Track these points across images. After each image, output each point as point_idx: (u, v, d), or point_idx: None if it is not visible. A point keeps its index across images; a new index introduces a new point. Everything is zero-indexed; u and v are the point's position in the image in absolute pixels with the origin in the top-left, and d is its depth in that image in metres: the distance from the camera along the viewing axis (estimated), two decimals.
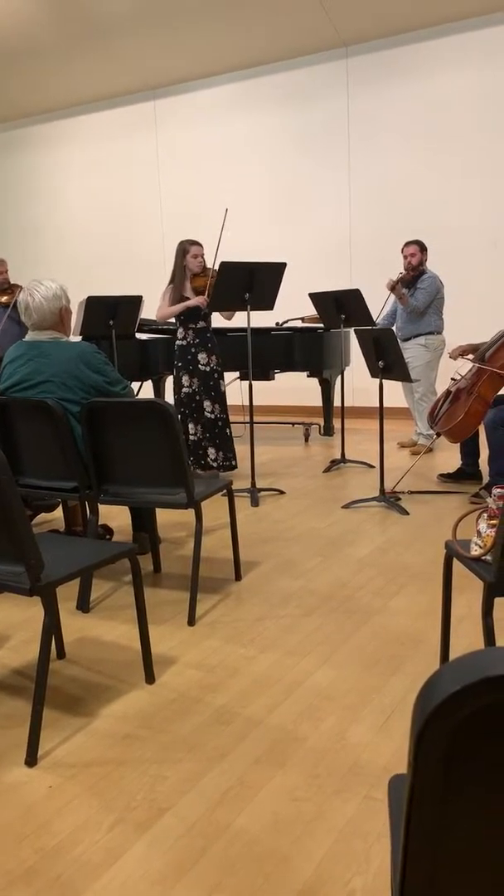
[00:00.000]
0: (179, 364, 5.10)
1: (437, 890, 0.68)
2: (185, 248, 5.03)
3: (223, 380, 5.14)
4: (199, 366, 5.04)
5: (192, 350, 5.04)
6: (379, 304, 6.18)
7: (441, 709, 0.60)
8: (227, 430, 5.10)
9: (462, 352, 4.85)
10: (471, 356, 4.80)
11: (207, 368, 5.04)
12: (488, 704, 0.60)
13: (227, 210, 4.91)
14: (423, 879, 0.67)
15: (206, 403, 5.03)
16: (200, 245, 5.05)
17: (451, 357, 4.98)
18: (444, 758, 0.62)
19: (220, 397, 5.07)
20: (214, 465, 5.03)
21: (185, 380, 5.08)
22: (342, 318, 5.54)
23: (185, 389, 5.08)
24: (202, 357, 5.04)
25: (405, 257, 5.96)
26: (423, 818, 0.64)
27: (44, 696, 2.04)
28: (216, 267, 4.83)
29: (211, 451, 5.05)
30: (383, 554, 3.65)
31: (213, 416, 5.03)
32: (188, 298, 5.02)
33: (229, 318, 5.08)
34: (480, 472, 4.97)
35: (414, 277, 5.93)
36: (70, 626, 2.89)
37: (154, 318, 6.81)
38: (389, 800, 1.04)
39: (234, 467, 5.12)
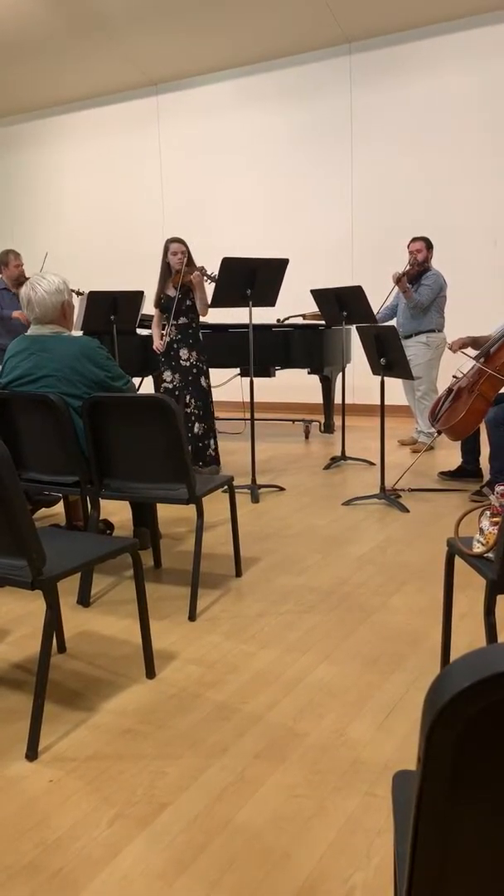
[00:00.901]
0: (163, 360, 5.16)
1: (446, 886, 0.68)
2: (167, 246, 5.13)
3: (206, 377, 5.16)
4: (181, 361, 5.08)
5: (175, 346, 5.09)
6: (380, 300, 6.17)
7: (452, 704, 0.60)
8: (198, 426, 5.10)
9: (462, 344, 4.84)
10: (471, 350, 4.79)
11: (187, 364, 5.08)
12: (499, 700, 0.59)
13: (185, 262, 5.04)
14: (432, 876, 0.67)
15: (185, 398, 5.08)
16: (180, 242, 5.09)
17: (450, 350, 4.97)
18: (455, 753, 0.62)
19: (198, 393, 5.09)
20: None
21: (166, 375, 5.16)
22: (344, 315, 5.53)
23: (165, 385, 5.15)
24: (183, 353, 5.08)
25: (411, 253, 5.95)
26: (433, 814, 0.64)
27: (45, 690, 2.03)
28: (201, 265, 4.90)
29: None
30: (383, 551, 3.65)
31: (186, 412, 5.07)
32: (168, 296, 5.09)
33: (204, 314, 5.12)
34: (481, 470, 4.97)
35: (418, 273, 5.93)
36: (71, 621, 2.88)
37: None
38: (393, 796, 1.03)
39: (202, 465, 5.11)
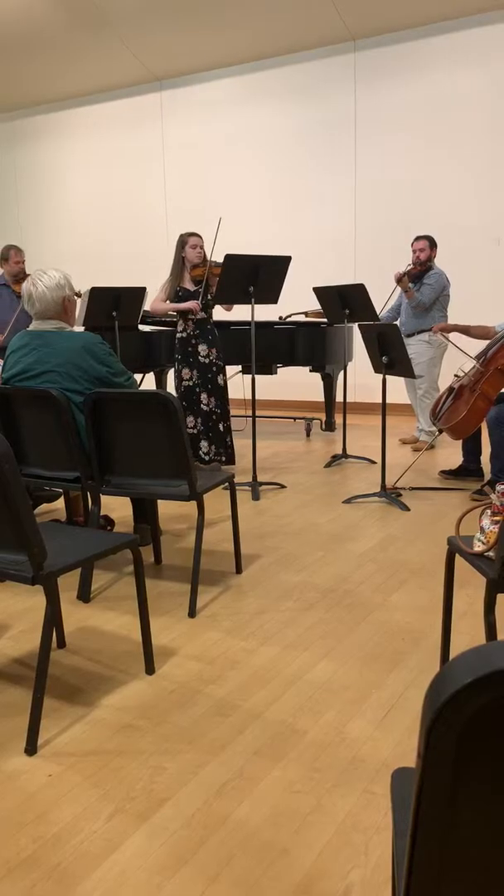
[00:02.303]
0: (179, 357, 5.10)
1: (445, 883, 0.68)
2: (184, 240, 5.06)
3: (223, 373, 5.13)
4: (200, 357, 5.03)
5: (193, 342, 5.04)
6: (383, 299, 6.18)
7: (452, 701, 0.60)
8: (222, 425, 5.08)
9: (443, 328, 4.84)
10: (458, 336, 4.79)
11: (207, 360, 5.03)
12: (499, 697, 0.59)
13: (220, 219, 4.96)
14: (431, 873, 0.67)
15: (203, 396, 5.04)
16: (199, 236, 5.07)
17: (432, 332, 4.98)
18: (455, 750, 0.62)
19: (217, 390, 5.06)
20: (206, 458, 5.04)
21: (185, 373, 5.08)
22: (346, 313, 5.53)
23: (185, 383, 5.08)
24: (202, 349, 5.04)
25: (414, 252, 5.94)
26: (432, 811, 0.64)
27: (44, 685, 2.04)
28: (217, 259, 4.86)
29: (203, 443, 5.06)
30: (384, 549, 3.65)
31: (207, 409, 5.03)
32: (187, 289, 5.04)
33: (229, 310, 5.07)
34: (482, 469, 4.97)
35: (421, 272, 5.92)
36: (71, 616, 2.89)
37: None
38: (392, 793, 1.04)
39: (224, 462, 5.11)
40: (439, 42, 7.50)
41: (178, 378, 5.11)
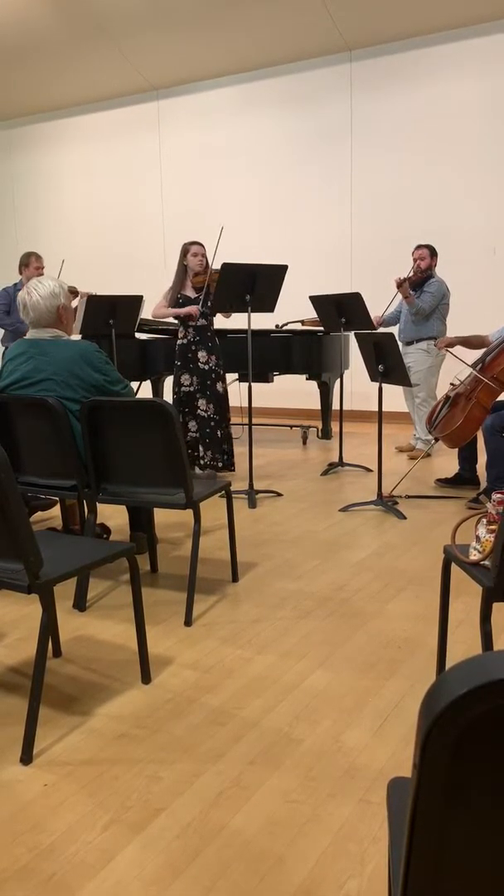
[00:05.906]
0: (179, 363, 5.12)
1: (440, 893, 0.68)
2: (186, 248, 5.13)
3: (223, 381, 5.14)
4: (199, 364, 5.06)
5: (193, 348, 5.06)
6: (379, 307, 6.20)
7: (447, 711, 0.60)
8: (220, 431, 5.10)
9: (448, 343, 4.86)
10: (460, 349, 4.79)
11: (206, 367, 5.06)
12: (495, 707, 0.60)
13: (222, 228, 4.99)
14: (427, 883, 0.67)
15: (202, 402, 5.06)
16: (201, 245, 5.12)
17: (437, 347, 5.00)
18: (450, 760, 0.62)
19: (215, 397, 5.08)
20: (202, 462, 5.05)
21: (184, 379, 5.11)
22: (342, 322, 5.55)
23: (184, 388, 5.10)
24: (202, 355, 5.06)
25: (414, 260, 5.97)
26: (428, 821, 0.64)
27: (40, 694, 2.03)
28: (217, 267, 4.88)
29: (200, 449, 5.08)
30: (380, 558, 3.65)
31: (205, 416, 5.05)
32: (188, 296, 5.06)
33: (228, 317, 5.11)
34: (478, 477, 4.97)
35: (421, 280, 5.95)
36: (67, 625, 2.88)
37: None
38: (389, 803, 1.03)
39: (220, 468, 5.12)
40: (434, 52, 7.55)
41: (177, 383, 5.14)
